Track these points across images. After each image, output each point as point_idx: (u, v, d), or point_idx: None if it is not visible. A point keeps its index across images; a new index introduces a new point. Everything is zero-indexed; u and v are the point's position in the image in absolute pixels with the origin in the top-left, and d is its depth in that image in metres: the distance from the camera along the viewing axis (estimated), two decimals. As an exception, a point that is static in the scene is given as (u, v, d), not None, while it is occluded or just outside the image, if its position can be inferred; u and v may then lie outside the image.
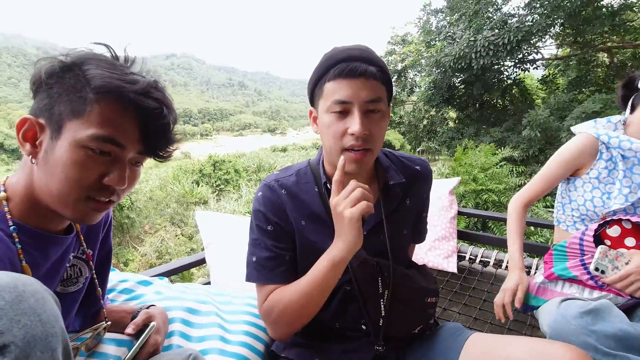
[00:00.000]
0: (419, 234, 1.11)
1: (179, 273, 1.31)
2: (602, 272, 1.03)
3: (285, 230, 0.88)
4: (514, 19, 9.71)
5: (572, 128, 1.29)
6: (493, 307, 1.37)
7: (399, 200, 0.94)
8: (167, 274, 1.22)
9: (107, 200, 0.63)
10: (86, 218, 0.64)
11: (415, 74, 13.36)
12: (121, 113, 0.59)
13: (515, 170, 5.78)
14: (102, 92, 0.57)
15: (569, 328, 0.94)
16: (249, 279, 0.90)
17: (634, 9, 9.88)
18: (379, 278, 0.86)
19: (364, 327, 0.90)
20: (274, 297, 0.84)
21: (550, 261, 1.19)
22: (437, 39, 11.71)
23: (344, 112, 0.78)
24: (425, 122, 13.45)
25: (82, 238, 0.76)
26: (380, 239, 0.91)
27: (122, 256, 13.09)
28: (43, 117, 0.59)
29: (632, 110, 1.17)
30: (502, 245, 1.81)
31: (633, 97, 1.17)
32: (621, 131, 1.17)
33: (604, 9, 9.49)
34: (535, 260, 1.74)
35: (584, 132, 1.20)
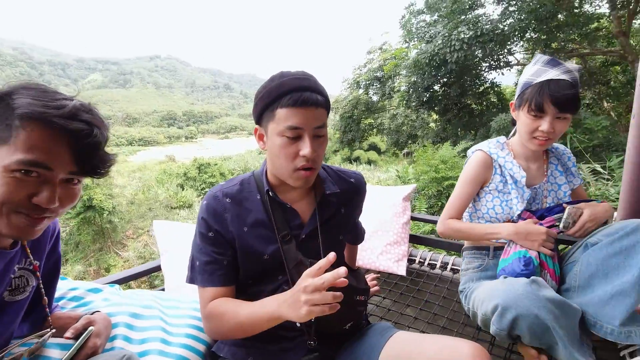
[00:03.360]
0: (357, 237, 1.30)
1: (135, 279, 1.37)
2: (565, 227, 1.21)
3: (225, 237, 0.96)
4: (488, 25, 10.02)
5: (469, 151, 1.45)
6: (433, 306, 1.50)
7: (334, 209, 1.05)
8: (121, 281, 1.28)
9: (40, 215, 0.68)
10: (22, 233, 0.69)
11: (395, 78, 13.53)
12: (48, 137, 0.64)
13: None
14: (26, 119, 0.62)
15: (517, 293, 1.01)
16: (190, 281, 0.99)
17: (605, 17, 10.32)
18: None
19: (298, 324, 0.97)
20: (216, 308, 0.92)
21: None
22: (415, 38, 11.96)
23: (296, 137, 0.88)
24: (405, 127, 13.64)
25: (29, 250, 0.82)
26: (316, 243, 1.00)
27: (104, 262, 12.72)
28: None
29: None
30: (452, 248, 1.94)
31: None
32: (506, 151, 1.35)
33: (577, 17, 9.87)
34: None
35: (478, 149, 1.38)
